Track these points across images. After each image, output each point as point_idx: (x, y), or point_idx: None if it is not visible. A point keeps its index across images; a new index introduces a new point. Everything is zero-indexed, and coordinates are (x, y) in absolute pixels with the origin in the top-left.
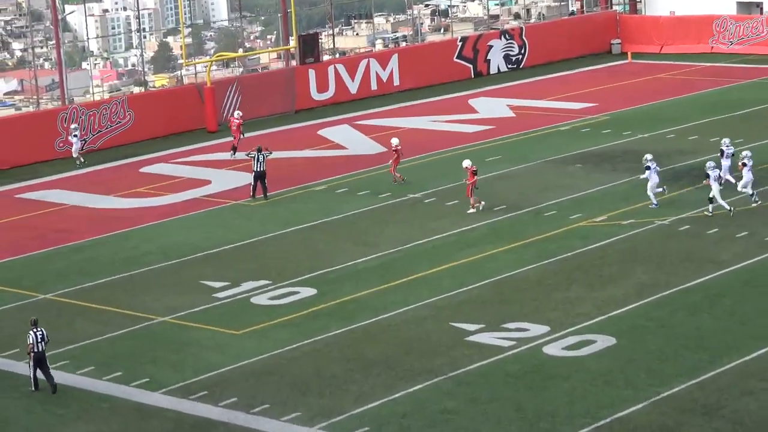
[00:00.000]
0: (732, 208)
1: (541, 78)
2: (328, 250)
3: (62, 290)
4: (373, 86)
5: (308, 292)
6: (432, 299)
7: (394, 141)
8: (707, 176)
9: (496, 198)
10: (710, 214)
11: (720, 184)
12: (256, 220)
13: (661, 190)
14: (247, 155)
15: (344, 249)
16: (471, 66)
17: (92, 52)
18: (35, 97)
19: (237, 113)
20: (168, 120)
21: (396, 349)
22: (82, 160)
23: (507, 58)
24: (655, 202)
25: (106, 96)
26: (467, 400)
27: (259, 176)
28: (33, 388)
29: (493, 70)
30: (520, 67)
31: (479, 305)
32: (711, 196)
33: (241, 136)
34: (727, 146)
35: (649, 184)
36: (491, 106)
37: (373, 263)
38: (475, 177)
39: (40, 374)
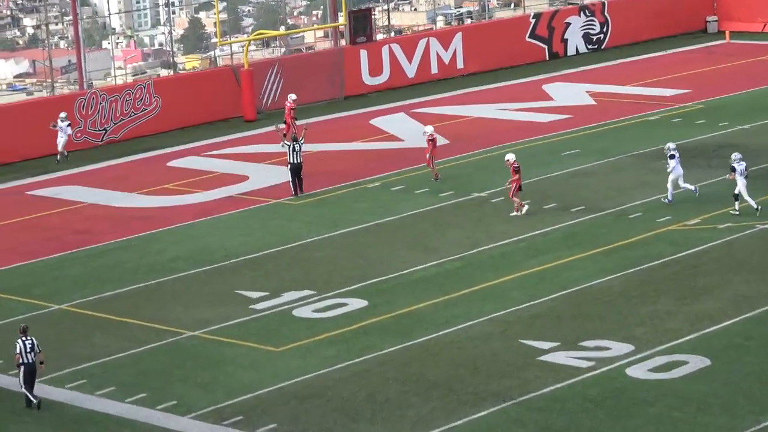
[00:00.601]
0: (758, 207)
1: (625, 60)
2: (382, 256)
3: (79, 300)
4: (434, 69)
5: (358, 303)
6: (499, 313)
7: (428, 129)
8: (732, 170)
9: (573, 197)
10: (737, 212)
11: (745, 178)
12: (299, 221)
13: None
14: (282, 146)
15: (399, 255)
16: (545, 46)
17: (114, 29)
18: (49, 80)
19: (291, 96)
20: (200, 107)
21: (458, 369)
22: (66, 154)
23: (587, 37)
24: (670, 197)
25: (130, 79)
26: (539, 429)
27: (297, 169)
28: (32, 406)
29: (570, 51)
30: (602, 47)
31: (553, 320)
32: (736, 192)
33: (294, 123)
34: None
35: (671, 177)
36: (568, 93)
37: (433, 271)
38: (518, 175)
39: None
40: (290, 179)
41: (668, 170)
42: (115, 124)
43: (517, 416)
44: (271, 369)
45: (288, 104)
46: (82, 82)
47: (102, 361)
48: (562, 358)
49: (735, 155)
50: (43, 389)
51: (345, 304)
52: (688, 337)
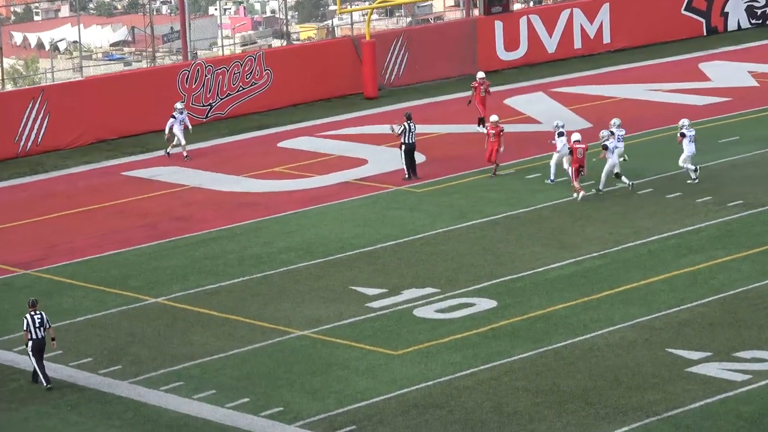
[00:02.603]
0: (631, 183)
1: None
2: (513, 252)
3: (178, 293)
4: (577, 44)
5: (486, 304)
6: (644, 318)
7: (494, 118)
8: (605, 148)
9: (730, 190)
10: (630, 187)
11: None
12: (422, 211)
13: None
14: (392, 131)
15: (534, 251)
16: (703, 20)
17: None
18: (150, 49)
19: (479, 75)
20: (315, 82)
21: (597, 380)
22: (183, 154)
23: (750, 10)
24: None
25: (238, 50)
26: None
27: (411, 150)
28: (44, 384)
29: (731, 25)
30: (767, 22)
31: (705, 327)
32: (616, 171)
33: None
34: (618, 128)
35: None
36: (728, 73)
37: (570, 270)
38: (574, 156)
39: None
40: (403, 161)
41: (558, 148)
42: (221, 99)
43: None
44: (388, 375)
45: (475, 83)
46: (186, 52)
47: (201, 361)
48: (714, 370)
49: (605, 132)
50: (135, 390)
51: (471, 305)
52: None
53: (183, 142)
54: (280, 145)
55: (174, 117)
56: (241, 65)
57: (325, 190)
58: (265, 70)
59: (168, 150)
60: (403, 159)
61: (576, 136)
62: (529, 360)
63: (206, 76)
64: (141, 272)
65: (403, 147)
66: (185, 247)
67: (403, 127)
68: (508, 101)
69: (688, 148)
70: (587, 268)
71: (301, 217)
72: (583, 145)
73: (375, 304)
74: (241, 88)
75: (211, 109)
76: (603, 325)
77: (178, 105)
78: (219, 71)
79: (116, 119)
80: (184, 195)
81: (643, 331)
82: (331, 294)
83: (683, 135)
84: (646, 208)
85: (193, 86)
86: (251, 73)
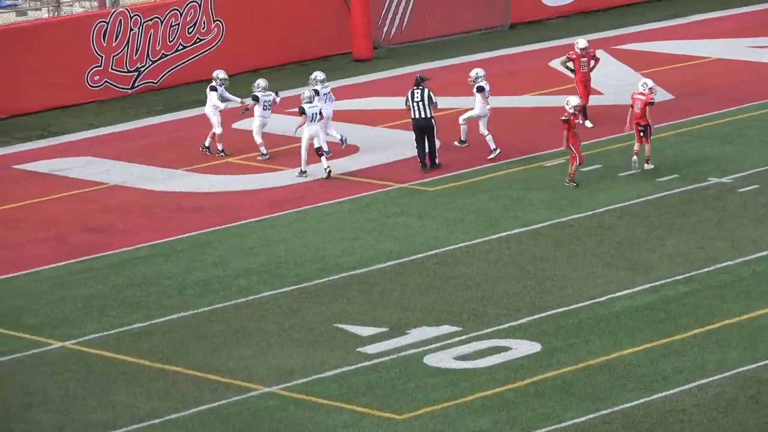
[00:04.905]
0: (328, 169)
1: None
2: (564, 276)
3: (93, 334)
4: None
5: (527, 348)
6: (749, 366)
7: (573, 101)
8: (302, 112)
9: None
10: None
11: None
12: (435, 217)
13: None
14: (406, 104)
15: (591, 273)
16: None
17: None
18: None
19: (581, 42)
20: (285, 39)
21: None
22: (219, 148)
23: None
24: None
25: None
26: None
27: (423, 129)
28: None
29: None
30: None
31: None
32: (317, 146)
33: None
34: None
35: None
36: None
37: (644, 300)
38: (635, 108)
39: None
40: (416, 145)
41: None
42: (152, 62)
43: None
44: None
45: (573, 54)
46: None
47: (126, 430)
48: None
49: (307, 92)
50: None
51: (506, 349)
52: None
53: (219, 129)
54: (235, 126)
55: (215, 90)
56: (181, 14)
57: (300, 189)
58: (214, 22)
59: (220, 146)
60: (416, 142)
61: (640, 86)
62: (588, 426)
63: (132, 29)
64: (42, 305)
65: (413, 123)
66: (104, 269)
67: (410, 95)
68: (553, 63)
69: (481, 106)
70: (668, 296)
71: (266, 226)
72: (643, 97)
73: (370, 349)
74: (180, 47)
75: (138, 76)
76: (690, 377)
77: (221, 74)
78: (149, 23)
79: (7, 90)
80: (103, 196)
81: (748, 385)
82: (309, 335)
83: (481, 89)
84: (751, 212)
85: (114, 44)
86: (194, 25)
